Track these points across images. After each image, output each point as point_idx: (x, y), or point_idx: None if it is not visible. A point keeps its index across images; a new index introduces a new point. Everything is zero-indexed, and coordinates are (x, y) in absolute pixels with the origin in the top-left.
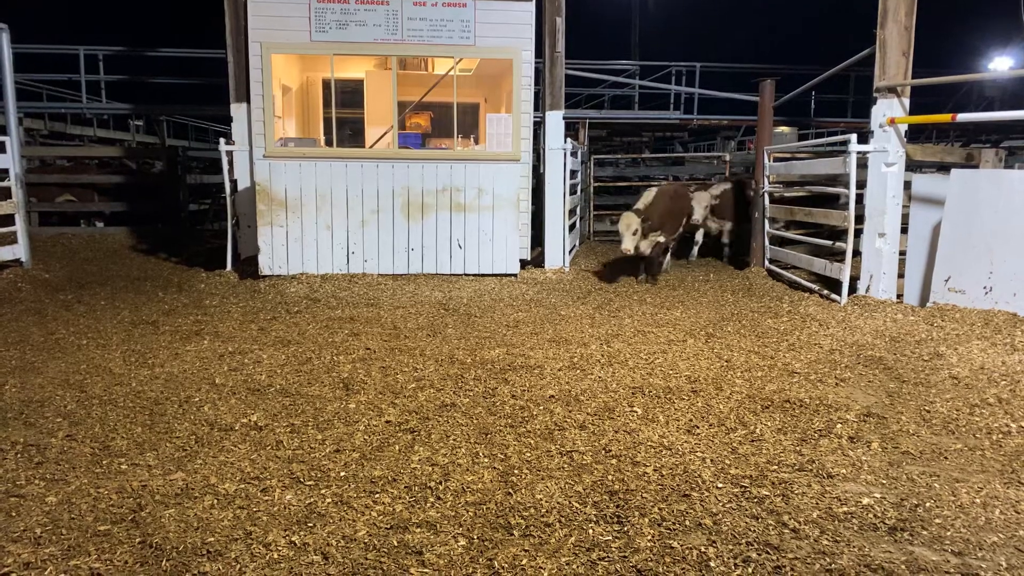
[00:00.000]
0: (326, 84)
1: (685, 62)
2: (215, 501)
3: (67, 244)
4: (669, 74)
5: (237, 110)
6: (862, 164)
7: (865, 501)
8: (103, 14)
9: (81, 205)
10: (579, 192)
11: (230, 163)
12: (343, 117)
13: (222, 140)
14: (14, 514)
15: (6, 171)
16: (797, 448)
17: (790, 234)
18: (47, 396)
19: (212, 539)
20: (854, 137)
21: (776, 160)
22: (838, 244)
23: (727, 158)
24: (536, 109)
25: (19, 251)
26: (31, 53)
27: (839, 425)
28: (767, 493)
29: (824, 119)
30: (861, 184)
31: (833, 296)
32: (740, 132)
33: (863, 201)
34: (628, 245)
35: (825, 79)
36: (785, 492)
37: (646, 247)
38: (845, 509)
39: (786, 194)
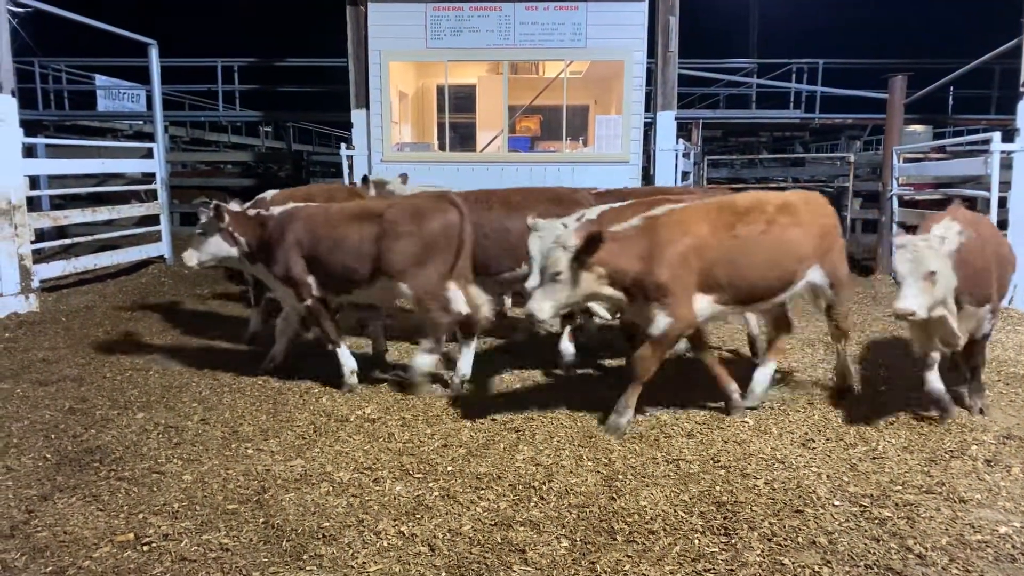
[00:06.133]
0: (440, 90)
1: (806, 59)
2: (331, 488)
3: None
4: (789, 71)
5: (357, 116)
6: (1006, 165)
7: (1003, 530)
8: (237, 28)
9: None
10: None
11: (350, 167)
12: (456, 121)
13: (343, 145)
14: (155, 489)
15: (153, 175)
16: (925, 468)
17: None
18: (184, 382)
19: (327, 524)
20: (997, 135)
21: (906, 161)
22: None
23: (851, 159)
24: (647, 110)
25: (163, 248)
26: (174, 66)
27: (974, 446)
28: (889, 514)
29: (963, 116)
30: (1004, 186)
31: None
32: (866, 131)
33: (1006, 205)
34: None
35: (964, 73)
36: (910, 515)
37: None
38: (979, 537)
39: (917, 197)
